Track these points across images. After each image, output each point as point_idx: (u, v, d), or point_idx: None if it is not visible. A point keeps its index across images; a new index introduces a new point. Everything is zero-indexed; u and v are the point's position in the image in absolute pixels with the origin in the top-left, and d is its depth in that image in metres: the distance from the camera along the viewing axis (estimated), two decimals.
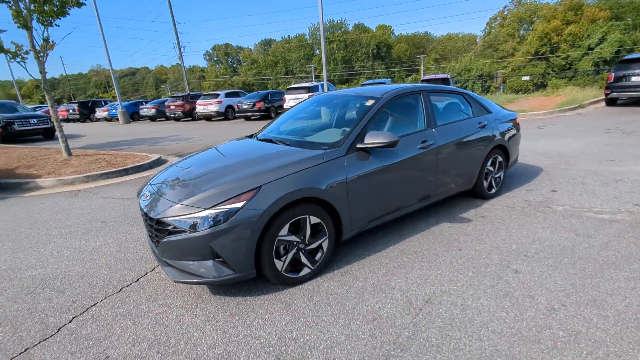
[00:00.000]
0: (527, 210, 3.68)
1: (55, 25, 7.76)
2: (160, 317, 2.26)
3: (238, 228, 2.17)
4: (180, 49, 33.34)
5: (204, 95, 18.97)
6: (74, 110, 25.14)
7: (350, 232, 2.77)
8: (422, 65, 47.12)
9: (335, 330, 2.04)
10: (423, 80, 15.10)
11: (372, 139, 2.71)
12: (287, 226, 2.37)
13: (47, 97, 7.67)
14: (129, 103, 23.71)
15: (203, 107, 17.89)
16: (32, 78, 7.83)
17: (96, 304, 2.45)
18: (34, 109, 30.08)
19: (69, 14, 7.89)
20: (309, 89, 15.48)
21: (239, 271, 2.25)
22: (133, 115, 22.32)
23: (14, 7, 6.67)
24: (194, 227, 2.17)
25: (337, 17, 79.94)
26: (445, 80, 13.59)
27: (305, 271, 2.55)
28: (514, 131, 4.27)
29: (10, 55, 7.16)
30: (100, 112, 23.84)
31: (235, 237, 2.18)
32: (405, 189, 3.10)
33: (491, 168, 4.02)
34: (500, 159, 4.08)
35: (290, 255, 2.44)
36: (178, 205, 2.28)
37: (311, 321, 2.14)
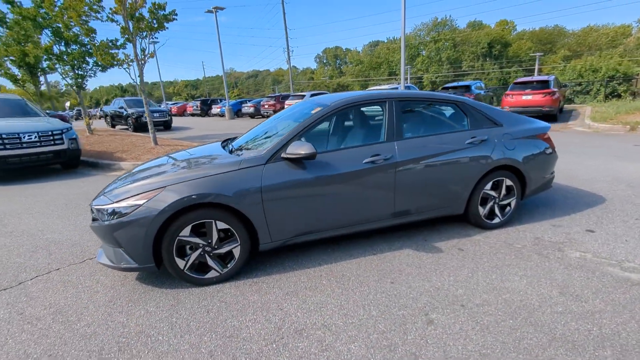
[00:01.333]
0: (525, 250, 2.90)
1: (155, 38, 9.49)
2: (82, 290, 2.63)
3: (136, 223, 2.36)
4: (288, 53, 36.54)
5: (292, 95, 20.25)
6: (197, 106, 29.93)
7: (269, 243, 2.69)
8: (536, 65, 40.11)
9: (188, 338, 2.05)
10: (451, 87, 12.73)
11: (293, 150, 2.56)
12: (188, 228, 2.46)
13: (142, 96, 9.43)
14: (235, 102, 27.03)
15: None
16: (132, 82, 9.73)
17: (59, 269, 2.99)
18: (173, 104, 36.59)
19: (167, 28, 9.54)
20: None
21: (139, 262, 2.45)
22: (238, 112, 25.32)
23: (122, 25, 8.38)
24: (103, 216, 2.46)
25: (456, 14, 73.94)
26: (544, 83, 11.30)
27: (212, 274, 2.59)
28: (537, 150, 3.38)
29: (120, 64, 9.07)
30: (215, 109, 27.75)
31: (134, 231, 2.38)
32: (349, 205, 2.82)
33: (492, 193, 3.29)
34: (509, 182, 3.29)
35: (193, 256, 2.53)
36: (102, 197, 2.61)
37: (178, 324, 2.18)
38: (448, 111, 3.38)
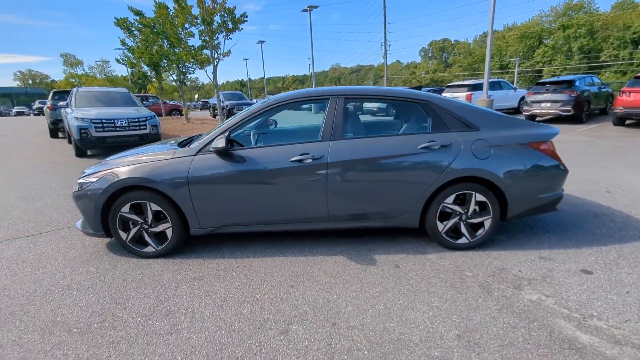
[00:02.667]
0: (470, 281, 2.40)
1: (229, 38, 10.58)
2: (51, 255, 3.26)
3: (88, 197, 2.83)
4: (385, 47, 36.14)
5: None
6: None
7: (199, 228, 2.87)
8: None
9: (91, 296, 2.38)
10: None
11: (213, 144, 2.67)
12: (128, 206, 2.82)
13: (216, 92, 10.65)
14: None
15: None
16: (210, 80, 11.08)
17: (41, 234, 3.67)
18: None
19: (241, 29, 10.54)
20: (469, 87, 13.40)
21: (93, 229, 2.92)
22: None
23: (202, 28, 9.61)
24: (74, 187, 3.00)
25: None
26: None
27: (149, 249, 2.91)
28: (527, 161, 2.70)
29: (200, 63, 10.43)
30: None
31: (87, 203, 2.85)
32: (276, 203, 2.78)
33: (457, 208, 2.77)
34: (480, 198, 2.73)
35: (133, 231, 2.89)
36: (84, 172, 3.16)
37: (97, 284, 2.55)
38: (408, 111, 2.97)
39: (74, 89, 9.99)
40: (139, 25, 13.68)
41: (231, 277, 2.60)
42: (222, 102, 18.81)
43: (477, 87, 13.20)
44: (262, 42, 36.76)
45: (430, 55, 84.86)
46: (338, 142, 2.74)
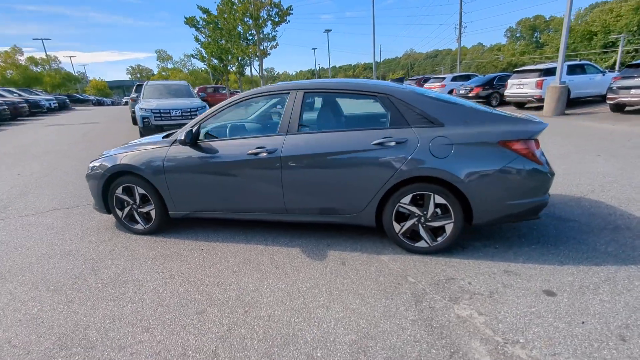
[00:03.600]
0: (407, 287, 2.27)
1: (276, 31, 10.90)
2: (73, 226, 3.88)
3: (93, 178, 3.33)
4: (460, 29, 33.60)
5: (433, 77, 18.63)
6: None
7: (175, 212, 3.17)
8: None
9: (71, 260, 2.86)
10: None
11: (178, 136, 2.91)
12: (121, 188, 3.25)
13: (261, 82, 11.12)
14: None
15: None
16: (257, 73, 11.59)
17: (78, 206, 4.37)
18: None
19: (288, 21, 10.79)
20: (541, 72, 11.67)
21: (99, 207, 3.44)
22: None
23: (251, 22, 10.08)
24: (87, 170, 3.54)
25: None
26: None
27: (138, 226, 3.31)
28: (496, 162, 2.38)
29: (248, 55, 10.98)
30: None
31: (92, 184, 3.36)
32: (238, 193, 2.93)
33: (414, 209, 2.59)
34: (440, 200, 2.50)
35: (126, 210, 3.32)
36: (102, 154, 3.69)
37: (87, 251, 3.02)
38: (369, 105, 2.80)
39: (145, 83, 11.40)
40: (205, 23, 14.87)
41: (191, 257, 2.85)
42: None
43: (551, 72, 11.46)
44: (328, 30, 36.89)
45: (518, 35, 75.57)
46: (293, 136, 2.76)
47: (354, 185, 2.64)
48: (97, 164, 3.32)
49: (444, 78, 17.10)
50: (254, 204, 2.95)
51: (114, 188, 3.26)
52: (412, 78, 21.01)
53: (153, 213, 3.25)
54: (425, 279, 2.36)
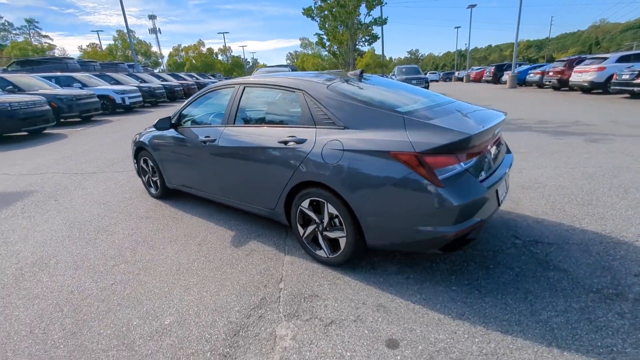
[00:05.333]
0: (262, 289, 2.21)
1: (369, 14, 10.46)
2: (117, 188, 5.01)
3: (133, 145, 4.30)
4: None
5: (590, 58, 14.36)
6: (490, 72, 27.59)
7: (169, 184, 3.81)
8: None
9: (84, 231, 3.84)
10: None
11: (155, 121, 3.44)
12: (142, 160, 4.11)
13: (355, 69, 11.00)
14: (527, 67, 22.31)
15: (578, 74, 13.92)
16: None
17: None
18: (478, 69, 35.09)
19: (385, 3, 10.25)
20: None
21: (136, 171, 4.43)
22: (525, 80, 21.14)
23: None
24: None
25: None
26: None
27: (152, 191, 4.15)
28: (382, 176, 1.97)
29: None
30: (505, 76, 24.53)
31: (132, 152, 4.34)
32: (200, 175, 3.30)
33: (313, 215, 2.40)
34: (332, 210, 2.25)
35: (146, 177, 4.18)
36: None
37: (124, 214, 4.01)
38: (290, 101, 2.60)
39: (257, 69, 12.98)
40: (319, 12, 15.52)
41: (162, 223, 3.43)
42: (394, 77, 18.79)
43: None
44: (472, 6, 32.48)
45: None
46: (229, 128, 2.92)
47: (264, 181, 2.65)
48: (134, 137, 4.26)
49: (606, 58, 13.02)
50: (207, 186, 3.29)
51: (139, 158, 4.15)
52: (562, 60, 16.65)
53: (158, 182, 4.00)
54: (294, 288, 2.25)
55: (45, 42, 66.98)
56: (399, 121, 2.10)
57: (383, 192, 2.02)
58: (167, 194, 4.03)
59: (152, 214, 3.68)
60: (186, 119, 3.54)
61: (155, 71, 34.47)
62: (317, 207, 2.41)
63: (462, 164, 1.98)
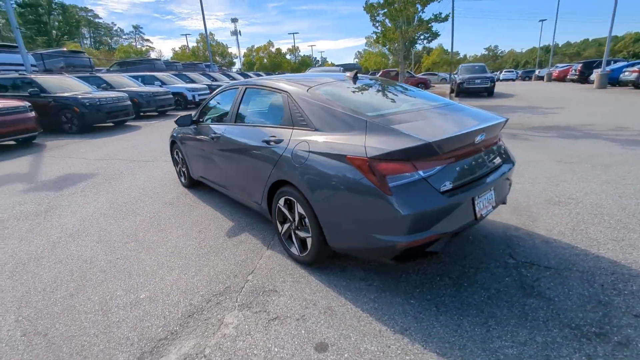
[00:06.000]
0: (229, 283, 2.34)
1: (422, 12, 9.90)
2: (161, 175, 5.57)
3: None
4: None
5: None
6: (575, 71, 24.14)
7: (193, 174, 4.19)
8: None
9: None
10: None
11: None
12: (175, 151, 4.58)
13: (404, 68, 10.58)
14: (622, 65, 18.90)
15: None
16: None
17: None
18: (563, 67, 31.16)
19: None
20: None
21: (173, 161, 4.96)
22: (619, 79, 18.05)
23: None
24: None
25: None
26: None
27: (182, 179, 4.61)
28: (341, 181, 1.94)
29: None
30: (593, 74, 21.27)
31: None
32: (209, 168, 3.59)
33: (287, 213, 2.47)
34: (300, 209, 2.29)
35: (178, 166, 4.64)
36: None
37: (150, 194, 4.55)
38: (277, 102, 2.64)
39: (309, 69, 13.26)
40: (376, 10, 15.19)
41: (180, 209, 3.80)
42: (457, 76, 17.66)
43: None
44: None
45: None
46: (230, 125, 3.13)
47: (252, 177, 2.80)
48: (172, 130, 4.77)
49: None
50: (216, 179, 3.56)
51: (173, 150, 4.64)
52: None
53: (186, 173, 4.43)
54: (259, 281, 2.36)
55: (146, 45, 77.00)
56: (361, 125, 2.06)
57: (340, 195, 2.02)
58: (193, 184, 4.44)
59: (176, 200, 4.09)
60: (206, 116, 3.86)
61: (233, 70, 37.38)
62: (290, 206, 2.48)
63: (420, 172, 1.87)
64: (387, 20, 14.13)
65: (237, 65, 54.03)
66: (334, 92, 2.51)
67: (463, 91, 15.92)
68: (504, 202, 2.51)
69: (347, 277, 2.34)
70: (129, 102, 10.86)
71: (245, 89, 3.13)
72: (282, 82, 2.76)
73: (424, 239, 1.88)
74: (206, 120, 3.77)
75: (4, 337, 1.96)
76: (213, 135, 3.33)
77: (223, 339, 1.85)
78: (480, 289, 2.13)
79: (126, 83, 13.22)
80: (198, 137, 3.72)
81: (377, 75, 23.30)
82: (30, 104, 8.24)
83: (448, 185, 1.95)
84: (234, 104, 3.20)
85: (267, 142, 2.57)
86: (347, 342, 1.78)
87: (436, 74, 30.39)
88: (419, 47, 16.50)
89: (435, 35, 13.27)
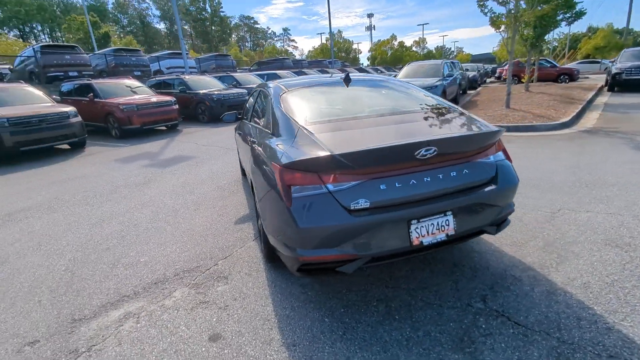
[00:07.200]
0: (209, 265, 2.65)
1: None
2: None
3: None
4: None
5: None
6: None
7: (241, 163, 4.74)
8: None
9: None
10: None
11: None
12: None
13: (509, 57, 8.69)
14: None
15: None
16: None
17: None
18: None
19: None
20: None
21: None
22: None
23: None
24: None
25: None
26: None
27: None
28: (266, 188, 1.93)
29: None
30: None
31: None
32: (244, 162, 4.00)
33: None
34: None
35: None
36: None
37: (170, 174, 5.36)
38: (268, 105, 2.67)
39: (408, 64, 12.45)
40: None
41: (223, 194, 4.40)
42: (614, 64, 13.62)
43: None
44: None
45: None
46: (247, 123, 3.43)
47: (249, 171, 3.03)
48: None
49: None
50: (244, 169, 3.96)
51: None
52: None
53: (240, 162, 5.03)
54: (224, 268, 2.60)
55: (291, 45, 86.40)
56: (293, 132, 2.03)
57: (266, 198, 2.06)
58: (244, 172, 5.01)
59: (227, 186, 4.72)
60: (245, 113, 4.30)
61: (362, 65, 38.37)
62: None
63: (329, 185, 1.74)
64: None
65: (363, 61, 55.29)
66: (305, 96, 2.50)
67: (621, 84, 11.88)
68: (481, 232, 2.02)
69: (292, 281, 2.35)
70: (246, 98, 12.66)
71: (260, 90, 3.37)
72: (275, 85, 2.88)
73: (328, 257, 1.76)
74: (244, 117, 4.20)
75: (54, 268, 2.80)
76: (239, 131, 3.72)
77: (159, 309, 2.19)
78: (409, 326, 1.83)
79: (253, 81, 15.32)
80: (238, 131, 4.19)
81: (503, 68, 19.41)
82: (175, 99, 10.60)
83: (363, 203, 1.74)
84: (253, 103, 3.51)
85: (252, 142, 2.77)
86: (237, 340, 1.86)
87: (599, 62, 23.15)
88: (562, 30, 13.07)
89: (579, 14, 10.41)
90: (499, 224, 2.09)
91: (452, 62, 12.34)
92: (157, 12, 62.65)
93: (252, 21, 78.17)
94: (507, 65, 18.42)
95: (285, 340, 1.82)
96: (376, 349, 1.70)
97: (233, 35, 74.30)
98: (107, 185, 5.06)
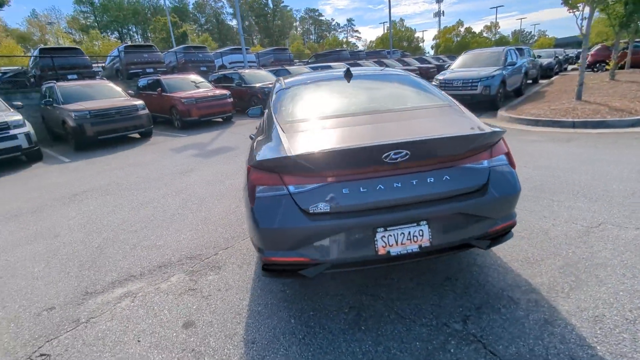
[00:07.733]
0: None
1: None
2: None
3: None
4: None
5: None
6: None
7: None
8: None
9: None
10: None
11: None
12: None
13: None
14: None
15: None
16: None
17: None
18: None
19: None
20: None
21: None
22: None
23: None
24: None
25: None
26: None
27: None
28: (245, 189, 1.92)
29: None
30: None
31: None
32: None
33: None
34: None
35: None
36: None
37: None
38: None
39: (465, 52, 11.38)
40: None
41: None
42: None
43: None
44: None
45: None
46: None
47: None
48: None
49: None
50: None
51: None
52: None
53: None
54: (222, 257, 2.73)
55: (355, 36, 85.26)
56: (271, 131, 2.03)
57: (243, 197, 2.09)
58: None
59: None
60: None
61: (426, 55, 36.40)
62: None
63: (290, 187, 1.70)
64: None
65: (428, 50, 52.00)
66: (297, 93, 2.45)
67: None
68: (468, 246, 1.79)
69: (281, 281, 2.36)
70: None
71: (277, 83, 3.41)
72: (281, 80, 2.88)
73: (287, 259, 1.73)
74: None
75: (89, 244, 3.21)
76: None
77: (154, 291, 2.38)
78: (371, 340, 1.72)
79: (304, 72, 15.54)
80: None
81: (589, 54, 16.33)
82: (229, 92, 11.23)
83: (323, 207, 1.67)
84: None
85: (251, 138, 2.82)
86: (205, 330, 1.94)
87: None
88: None
89: None
90: (494, 238, 1.84)
91: (518, 49, 11.02)
92: (231, 10, 66.68)
93: (316, 13, 78.83)
94: (593, 51, 15.81)
95: (247, 336, 1.86)
96: (327, 358, 1.64)
97: (298, 28, 75.88)
98: (156, 172, 5.59)
